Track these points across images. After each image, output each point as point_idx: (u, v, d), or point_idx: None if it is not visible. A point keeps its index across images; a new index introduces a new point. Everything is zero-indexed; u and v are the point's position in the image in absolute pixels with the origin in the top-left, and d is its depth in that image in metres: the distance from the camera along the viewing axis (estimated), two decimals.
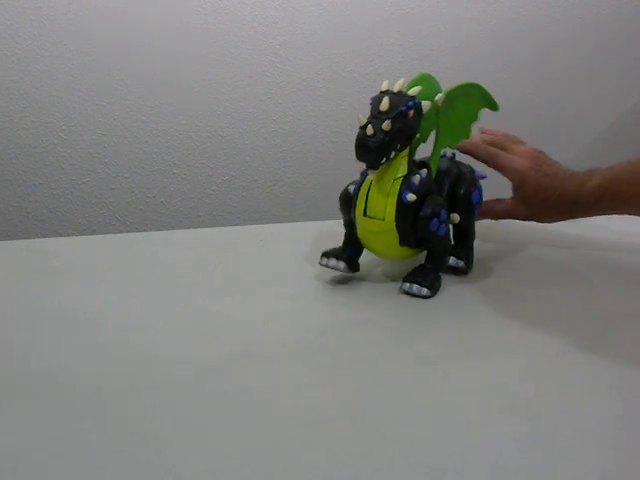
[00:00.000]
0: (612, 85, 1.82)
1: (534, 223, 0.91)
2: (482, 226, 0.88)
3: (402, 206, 0.72)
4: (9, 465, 0.47)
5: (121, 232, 1.57)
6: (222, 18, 1.54)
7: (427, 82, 0.76)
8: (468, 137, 0.82)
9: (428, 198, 0.74)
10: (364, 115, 0.70)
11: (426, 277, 0.75)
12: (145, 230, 1.59)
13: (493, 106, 0.82)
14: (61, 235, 1.53)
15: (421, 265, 0.77)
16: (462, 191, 0.80)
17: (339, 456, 0.48)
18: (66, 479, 0.46)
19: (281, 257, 0.86)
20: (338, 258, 0.78)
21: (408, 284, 0.75)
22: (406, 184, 0.73)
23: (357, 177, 0.77)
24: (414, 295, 0.75)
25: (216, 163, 1.62)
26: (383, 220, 0.73)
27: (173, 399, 0.56)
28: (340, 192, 0.79)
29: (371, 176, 0.73)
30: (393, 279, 0.80)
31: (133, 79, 1.53)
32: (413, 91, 0.71)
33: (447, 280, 0.79)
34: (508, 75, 1.73)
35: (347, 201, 0.77)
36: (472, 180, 0.82)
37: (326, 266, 0.78)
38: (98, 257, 0.89)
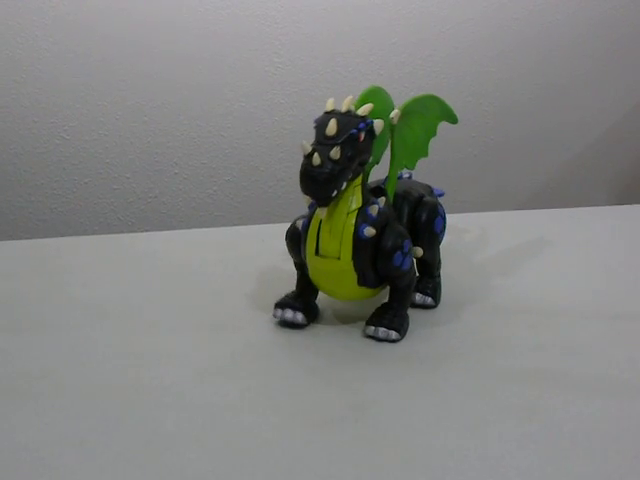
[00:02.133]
0: (614, 88, 1.82)
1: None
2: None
3: (359, 242, 0.63)
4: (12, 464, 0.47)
5: (123, 232, 1.57)
6: (223, 18, 1.55)
7: (377, 96, 0.69)
8: (426, 155, 0.73)
9: (387, 229, 0.64)
10: (308, 141, 0.60)
11: (393, 318, 0.66)
12: (147, 230, 1.59)
13: (452, 119, 0.74)
14: (63, 235, 1.53)
15: (385, 304, 0.68)
16: (423, 218, 0.70)
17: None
18: (68, 478, 0.46)
19: (283, 256, 0.86)
20: (294, 308, 0.68)
21: (373, 327, 0.66)
22: (362, 217, 0.63)
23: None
24: (380, 340, 0.66)
25: (218, 163, 1.62)
26: (338, 259, 0.63)
27: (174, 399, 0.56)
28: (289, 228, 0.68)
29: (321, 214, 0.62)
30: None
31: (135, 79, 1.54)
32: (363, 110, 0.62)
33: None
34: (512, 76, 1.73)
35: (296, 240, 0.67)
36: (434, 205, 0.71)
37: (281, 319, 0.69)
38: (99, 257, 0.89)
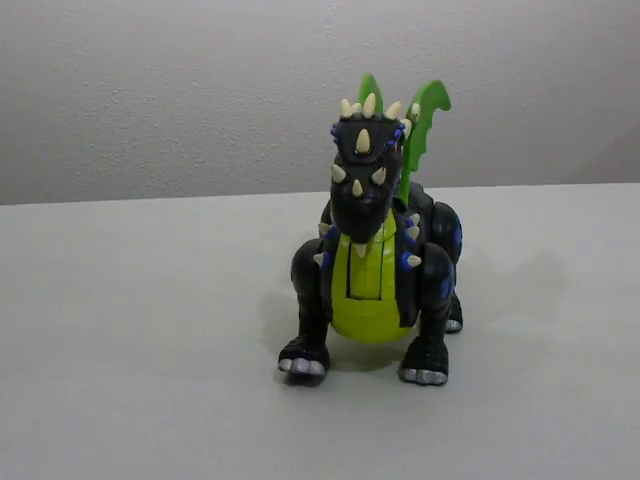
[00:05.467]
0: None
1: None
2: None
3: (403, 276, 0.50)
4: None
5: (169, 197, 1.58)
6: None
7: (373, 87, 0.57)
8: (425, 151, 0.59)
9: (426, 253, 0.52)
10: (338, 162, 0.46)
11: (435, 356, 0.54)
12: (193, 195, 1.59)
13: (447, 105, 0.61)
14: (110, 198, 1.55)
15: (421, 339, 0.55)
16: (442, 230, 0.58)
17: None
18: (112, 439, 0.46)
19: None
20: (308, 357, 0.52)
21: (414, 371, 0.53)
22: (401, 243, 0.50)
23: None
24: (424, 384, 0.53)
25: (265, 129, 1.62)
26: (378, 299, 0.50)
27: (222, 365, 0.56)
28: (295, 256, 0.54)
29: (360, 252, 0.48)
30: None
31: (184, 43, 1.53)
32: (392, 112, 0.48)
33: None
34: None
35: (309, 274, 0.52)
36: (450, 213, 0.59)
37: (292, 372, 0.52)
38: (146, 221, 0.90)
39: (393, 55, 1.61)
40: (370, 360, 0.56)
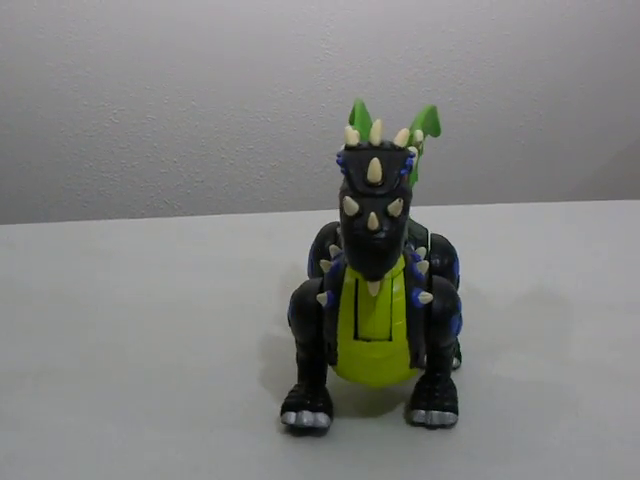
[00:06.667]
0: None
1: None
2: None
3: (414, 314, 0.47)
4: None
5: (169, 216, 1.58)
6: (271, 2, 1.54)
7: (365, 114, 0.54)
8: (417, 179, 0.56)
9: (434, 286, 0.49)
10: (350, 194, 0.43)
11: (444, 395, 0.50)
12: (193, 214, 1.60)
13: (438, 131, 0.60)
14: (110, 218, 1.55)
15: (427, 377, 0.52)
16: (440, 263, 0.54)
17: None
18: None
19: None
20: (313, 409, 0.49)
21: (423, 412, 0.50)
22: (410, 279, 0.47)
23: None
24: (434, 426, 0.50)
25: (264, 149, 1.62)
26: (389, 340, 0.46)
27: (215, 382, 0.56)
28: (294, 297, 0.50)
29: (373, 291, 0.44)
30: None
31: (184, 62, 1.54)
32: (401, 139, 0.45)
33: None
34: (563, 75, 1.71)
35: (311, 317, 0.48)
36: (447, 245, 0.56)
37: (297, 425, 0.49)
38: (146, 240, 0.90)
39: (391, 74, 1.62)
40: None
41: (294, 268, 0.65)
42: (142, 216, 1.59)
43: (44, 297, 0.72)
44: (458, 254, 0.56)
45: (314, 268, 0.56)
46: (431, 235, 0.56)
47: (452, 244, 0.56)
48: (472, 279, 0.67)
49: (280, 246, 0.87)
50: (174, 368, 0.58)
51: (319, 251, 0.56)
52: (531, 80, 1.69)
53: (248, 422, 0.51)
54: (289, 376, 0.51)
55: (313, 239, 0.58)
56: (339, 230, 0.44)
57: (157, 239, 0.90)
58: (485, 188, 1.71)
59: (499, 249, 0.85)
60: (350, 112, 0.54)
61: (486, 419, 0.51)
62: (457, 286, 0.56)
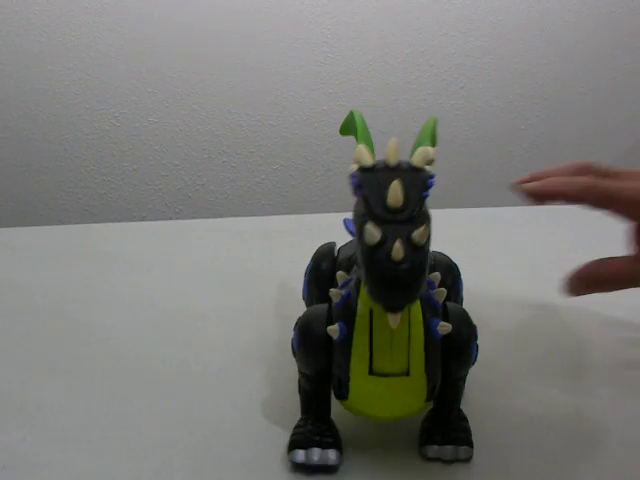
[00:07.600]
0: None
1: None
2: None
3: (434, 345, 0.43)
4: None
5: (170, 219, 1.58)
6: (273, 6, 1.54)
7: (366, 128, 0.48)
8: None
9: (450, 314, 0.45)
10: (374, 224, 0.38)
11: (457, 427, 0.47)
12: (194, 217, 1.60)
13: (434, 143, 0.53)
14: (111, 221, 1.55)
15: (438, 409, 0.48)
16: (444, 280, 0.50)
17: None
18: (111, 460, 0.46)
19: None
20: (323, 445, 0.45)
21: (436, 447, 0.46)
22: (428, 309, 0.43)
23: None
24: (449, 461, 0.46)
25: (266, 152, 1.62)
26: (407, 375, 0.43)
27: (219, 386, 0.56)
28: (300, 328, 0.46)
29: (393, 323, 0.39)
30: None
31: (185, 66, 1.54)
32: (421, 159, 0.41)
33: None
34: (566, 76, 1.71)
35: (320, 349, 0.44)
36: (450, 263, 0.54)
37: (306, 465, 0.45)
38: (147, 243, 0.90)
39: (392, 77, 1.62)
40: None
41: (295, 272, 0.65)
42: (143, 219, 1.59)
43: (45, 300, 0.72)
44: (458, 253, 0.55)
45: (310, 290, 0.54)
46: (433, 253, 0.52)
47: (453, 244, 0.55)
48: (474, 282, 0.67)
49: (281, 249, 0.87)
50: (174, 372, 0.58)
51: (314, 273, 0.55)
52: (532, 83, 1.69)
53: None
54: (289, 379, 0.51)
55: (314, 240, 0.58)
56: (357, 256, 0.40)
57: (158, 242, 0.90)
58: (486, 191, 1.71)
59: (500, 252, 0.85)
60: (342, 122, 0.50)
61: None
62: (461, 305, 0.54)
